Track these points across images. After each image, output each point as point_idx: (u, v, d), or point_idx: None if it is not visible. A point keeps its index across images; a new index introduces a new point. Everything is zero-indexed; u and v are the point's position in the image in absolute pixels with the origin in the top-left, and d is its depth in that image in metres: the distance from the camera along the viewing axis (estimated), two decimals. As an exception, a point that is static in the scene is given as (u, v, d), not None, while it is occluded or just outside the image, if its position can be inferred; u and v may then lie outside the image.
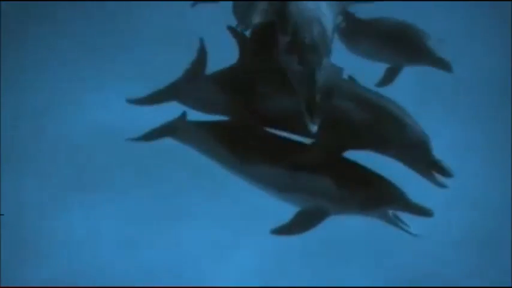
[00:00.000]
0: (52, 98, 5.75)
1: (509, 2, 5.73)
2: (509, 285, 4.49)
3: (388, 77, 4.12)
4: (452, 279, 4.64)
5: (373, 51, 4.20)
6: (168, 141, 3.71)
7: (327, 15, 3.28)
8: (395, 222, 3.24)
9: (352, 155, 3.21)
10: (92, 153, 5.32)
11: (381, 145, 3.23)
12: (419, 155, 3.19)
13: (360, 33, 4.22)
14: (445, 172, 3.14)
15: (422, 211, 3.19)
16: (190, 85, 3.72)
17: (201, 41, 3.71)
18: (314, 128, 2.92)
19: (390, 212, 3.25)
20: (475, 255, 4.78)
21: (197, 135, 3.64)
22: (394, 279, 4.65)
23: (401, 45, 4.09)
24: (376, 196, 3.26)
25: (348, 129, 3.23)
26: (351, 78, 3.62)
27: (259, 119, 3.44)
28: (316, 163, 3.31)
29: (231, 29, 3.44)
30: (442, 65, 3.96)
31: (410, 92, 3.68)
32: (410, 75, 4.01)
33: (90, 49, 6.06)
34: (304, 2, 3.24)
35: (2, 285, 4.58)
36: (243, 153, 3.45)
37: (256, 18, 3.41)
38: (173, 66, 3.50)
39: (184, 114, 3.69)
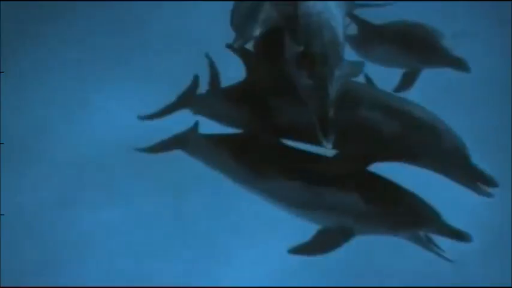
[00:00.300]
0: (53, 98, 5.75)
1: (509, 2, 5.73)
2: (509, 285, 4.48)
3: (406, 82, 3.94)
4: (452, 279, 4.63)
5: (387, 56, 4.04)
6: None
7: (337, 19, 3.01)
8: (428, 245, 3.02)
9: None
10: (95, 156, 5.29)
11: (413, 155, 3.02)
12: (457, 164, 2.97)
13: (372, 38, 4.07)
14: (488, 181, 2.94)
15: (459, 235, 2.96)
16: (204, 101, 3.55)
17: (208, 56, 3.58)
18: (328, 146, 2.73)
19: (422, 234, 3.01)
20: (475, 255, 4.77)
21: (208, 148, 3.44)
22: (393, 279, 4.63)
23: (415, 47, 3.93)
24: (408, 216, 3.02)
25: (376, 139, 3.01)
26: (368, 79, 3.50)
27: (275, 130, 3.22)
28: (341, 177, 3.05)
29: (230, 47, 3.20)
30: (459, 65, 3.80)
31: (409, 93, 3.65)
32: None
33: (92, 50, 6.05)
34: (312, 5, 2.96)
35: (2, 285, 4.58)
36: (259, 167, 3.22)
37: (257, 31, 3.07)
38: (176, 68, 3.46)
39: (196, 125, 3.54)
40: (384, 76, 3.70)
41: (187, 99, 3.65)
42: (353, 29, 4.05)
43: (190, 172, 4.03)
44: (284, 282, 4.51)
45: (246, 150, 3.30)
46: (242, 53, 3.24)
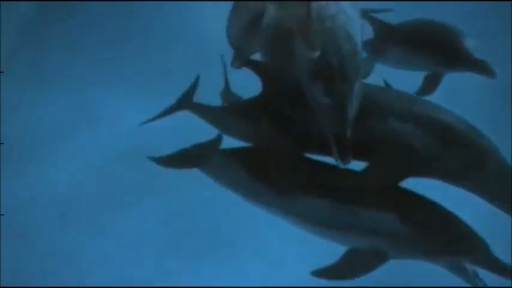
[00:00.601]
0: (54, 100, 5.75)
1: (509, 2, 5.73)
2: (510, 285, 4.48)
3: (428, 85, 3.67)
4: (452, 279, 4.63)
5: (404, 59, 3.79)
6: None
7: (354, 22, 2.67)
8: (473, 280, 2.76)
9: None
10: (98, 159, 5.30)
11: (451, 173, 2.74)
12: (500, 188, 2.70)
13: (389, 39, 3.80)
14: None
15: (506, 270, 2.71)
16: (217, 114, 3.26)
17: (223, 61, 3.35)
18: (344, 167, 2.49)
19: (466, 264, 2.75)
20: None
21: (226, 164, 3.10)
22: (391, 278, 4.62)
23: (435, 49, 3.67)
24: (452, 243, 2.75)
25: (410, 152, 2.70)
26: (386, 85, 3.28)
27: (299, 144, 2.91)
28: (375, 194, 2.74)
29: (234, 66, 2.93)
30: (482, 69, 3.58)
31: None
32: (407, 76, 3.89)
33: (94, 52, 6.05)
34: (324, 6, 2.58)
35: (2, 285, 4.60)
36: (284, 185, 2.89)
37: (257, 43, 2.72)
38: (180, 69, 3.42)
39: (218, 140, 3.20)
40: (394, 79, 3.58)
41: (187, 101, 3.55)
42: (367, 32, 3.83)
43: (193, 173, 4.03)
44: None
45: (268, 167, 2.98)
46: (252, 66, 2.96)
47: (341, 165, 2.53)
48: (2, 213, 4.94)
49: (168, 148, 3.43)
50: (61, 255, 4.90)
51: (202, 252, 4.84)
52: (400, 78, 3.49)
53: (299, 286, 4.02)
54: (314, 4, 2.59)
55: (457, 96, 5.27)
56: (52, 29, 6.30)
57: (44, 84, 5.87)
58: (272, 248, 4.76)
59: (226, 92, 3.54)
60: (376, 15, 3.87)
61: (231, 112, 3.23)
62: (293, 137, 2.93)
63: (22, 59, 6.02)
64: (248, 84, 3.33)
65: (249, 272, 4.71)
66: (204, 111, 3.35)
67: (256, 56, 3.11)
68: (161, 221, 5.01)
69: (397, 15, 3.98)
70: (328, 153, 2.71)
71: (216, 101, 3.69)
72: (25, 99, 5.76)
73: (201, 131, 3.60)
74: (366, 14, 3.52)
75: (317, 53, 2.49)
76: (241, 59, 2.83)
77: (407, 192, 2.84)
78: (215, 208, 4.91)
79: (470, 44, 3.64)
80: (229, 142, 3.33)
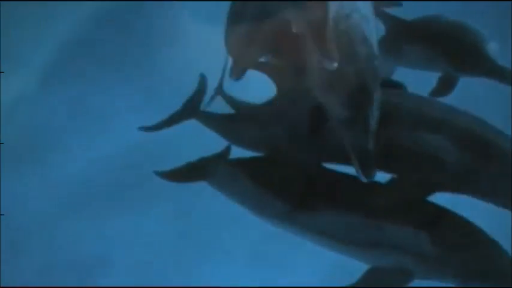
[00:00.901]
0: (57, 103, 5.74)
1: (509, 2, 5.72)
2: (509, 285, 4.46)
3: (442, 88, 3.46)
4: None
5: (418, 60, 3.59)
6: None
7: (369, 22, 2.48)
8: None
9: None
10: (103, 161, 5.29)
11: (483, 189, 2.60)
12: None
13: (403, 38, 3.59)
14: None
15: None
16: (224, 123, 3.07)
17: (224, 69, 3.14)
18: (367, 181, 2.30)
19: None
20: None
21: (236, 176, 2.92)
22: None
23: (451, 51, 3.48)
24: (485, 267, 2.60)
25: (440, 165, 2.54)
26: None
27: (317, 154, 2.71)
28: (402, 208, 2.56)
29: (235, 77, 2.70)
30: (502, 75, 3.39)
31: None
32: (408, 76, 3.84)
33: (96, 53, 6.04)
34: (337, 5, 2.36)
35: (2, 285, 4.59)
36: (301, 198, 2.69)
37: (261, 50, 2.48)
38: (179, 70, 3.39)
39: (227, 151, 3.09)
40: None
41: (193, 110, 3.37)
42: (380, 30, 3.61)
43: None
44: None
45: (281, 178, 2.79)
46: (263, 68, 2.78)
47: (364, 180, 2.35)
48: (2, 213, 4.91)
49: (170, 147, 3.39)
50: (62, 255, 4.88)
51: (203, 255, 4.82)
52: (407, 79, 3.36)
53: (300, 286, 4.00)
54: (330, 4, 2.38)
55: (457, 96, 5.29)
56: (51, 29, 6.29)
57: (44, 84, 5.85)
58: (274, 256, 4.75)
59: (220, 90, 3.47)
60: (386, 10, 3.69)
61: (242, 120, 3.04)
62: (310, 146, 2.74)
63: (22, 59, 6.01)
64: (248, 84, 3.32)
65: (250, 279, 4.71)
66: (213, 121, 3.19)
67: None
68: (162, 222, 4.99)
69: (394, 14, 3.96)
70: (349, 163, 2.51)
71: (215, 105, 3.65)
72: (25, 99, 5.74)
73: (202, 128, 3.61)
74: (378, 10, 3.25)
75: (335, 60, 2.26)
76: (241, 70, 2.55)
77: (437, 208, 2.70)
78: (217, 210, 4.90)
79: (493, 48, 3.49)
80: (237, 152, 3.22)
